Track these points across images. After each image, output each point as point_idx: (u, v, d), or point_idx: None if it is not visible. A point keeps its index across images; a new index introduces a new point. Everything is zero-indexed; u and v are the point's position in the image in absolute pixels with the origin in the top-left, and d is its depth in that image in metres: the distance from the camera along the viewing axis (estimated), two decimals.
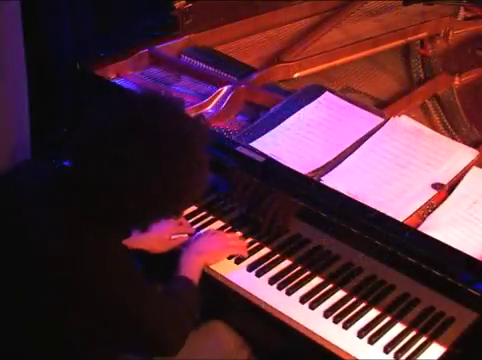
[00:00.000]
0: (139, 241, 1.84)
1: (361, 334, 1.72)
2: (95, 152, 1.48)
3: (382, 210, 1.80)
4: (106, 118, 1.53)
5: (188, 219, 2.03)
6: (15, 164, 2.02)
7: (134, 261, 1.64)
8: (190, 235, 1.99)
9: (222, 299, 1.93)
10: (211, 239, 1.92)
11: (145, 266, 1.96)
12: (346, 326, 1.74)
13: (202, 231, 1.99)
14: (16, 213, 1.58)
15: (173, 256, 1.89)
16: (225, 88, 2.26)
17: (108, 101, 1.58)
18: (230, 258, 1.92)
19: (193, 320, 1.76)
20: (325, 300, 1.80)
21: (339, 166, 1.97)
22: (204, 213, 2.06)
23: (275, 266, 1.90)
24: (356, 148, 2.02)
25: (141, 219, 1.57)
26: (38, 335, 1.58)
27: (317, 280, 1.86)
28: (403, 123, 2.10)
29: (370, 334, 1.72)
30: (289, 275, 1.87)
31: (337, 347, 1.70)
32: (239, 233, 2.00)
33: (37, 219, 1.55)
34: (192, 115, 1.85)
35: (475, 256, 1.69)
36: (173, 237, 1.96)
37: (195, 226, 2.02)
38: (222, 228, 2.02)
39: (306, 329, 1.74)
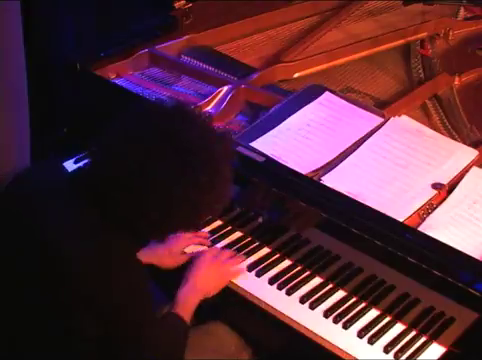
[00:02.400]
0: (147, 255, 1.81)
1: (361, 334, 1.72)
2: (120, 155, 1.49)
3: (382, 210, 1.80)
4: (134, 124, 1.53)
5: None
6: (31, 164, 2.04)
7: (145, 272, 1.60)
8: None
9: (222, 299, 1.93)
10: (210, 273, 1.84)
11: (160, 285, 1.92)
12: (346, 326, 1.74)
13: (201, 256, 1.87)
14: (32, 214, 1.58)
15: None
16: (225, 88, 2.26)
17: (138, 107, 1.58)
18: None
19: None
20: (325, 300, 1.80)
21: (339, 166, 1.97)
22: None
23: (275, 266, 1.90)
24: (356, 148, 2.02)
25: (158, 228, 1.55)
26: (41, 334, 1.58)
27: (317, 280, 1.86)
28: (403, 123, 2.10)
29: (370, 334, 1.72)
30: (289, 275, 1.87)
31: (337, 347, 1.70)
32: (239, 233, 2.00)
33: (52, 219, 1.54)
34: (219, 130, 1.84)
35: (475, 256, 1.69)
36: (186, 251, 1.93)
37: None
38: (221, 227, 2.01)
39: (306, 329, 1.74)
